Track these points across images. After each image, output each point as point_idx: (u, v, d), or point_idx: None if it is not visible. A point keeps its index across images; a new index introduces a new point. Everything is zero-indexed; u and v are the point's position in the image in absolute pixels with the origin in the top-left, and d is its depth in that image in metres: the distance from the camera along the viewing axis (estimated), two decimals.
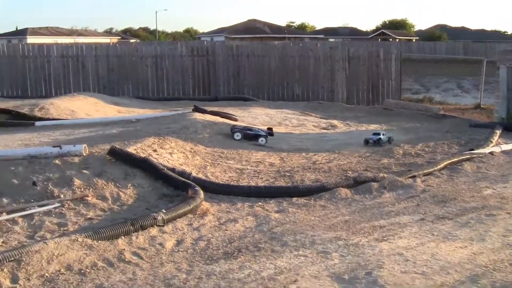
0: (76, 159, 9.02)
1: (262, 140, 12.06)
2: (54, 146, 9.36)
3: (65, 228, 7.24)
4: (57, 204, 7.88)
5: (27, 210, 7.76)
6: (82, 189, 8.29)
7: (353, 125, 16.58)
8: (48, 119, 15.65)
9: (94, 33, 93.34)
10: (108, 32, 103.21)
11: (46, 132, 13.48)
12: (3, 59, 24.22)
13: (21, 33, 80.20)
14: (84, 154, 9.12)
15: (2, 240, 6.89)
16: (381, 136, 12.89)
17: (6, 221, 7.47)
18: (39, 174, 8.61)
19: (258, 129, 12.68)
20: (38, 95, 23.32)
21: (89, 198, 8.10)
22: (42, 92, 23.85)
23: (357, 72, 23.00)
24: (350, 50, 23.53)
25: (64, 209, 7.83)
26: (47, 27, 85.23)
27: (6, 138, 13.01)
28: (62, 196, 8.12)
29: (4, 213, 7.68)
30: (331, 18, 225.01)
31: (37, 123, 14.84)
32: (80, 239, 6.49)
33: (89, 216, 7.63)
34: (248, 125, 13.19)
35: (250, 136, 12.12)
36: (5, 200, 8.07)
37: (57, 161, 8.94)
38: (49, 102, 17.78)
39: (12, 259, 5.98)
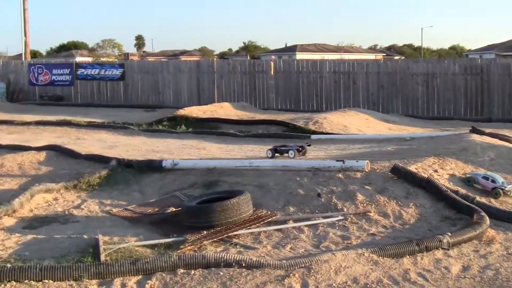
0: (358, 174, 9.19)
1: (291, 154, 11.96)
2: (337, 160, 9.63)
3: (349, 241, 7.39)
4: (340, 217, 8.09)
5: (312, 220, 8.09)
6: (365, 205, 8.41)
7: None
8: (322, 133, 16.15)
9: (359, 50, 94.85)
10: (373, 49, 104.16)
11: (321, 146, 13.93)
12: (279, 75, 25.58)
13: (290, 50, 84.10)
14: (366, 170, 9.25)
15: (290, 247, 7.25)
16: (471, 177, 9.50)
17: (293, 229, 7.86)
18: (322, 187, 8.92)
19: (292, 145, 12.63)
20: (310, 109, 24.22)
21: (371, 214, 8.19)
22: (314, 106, 24.71)
23: None
24: None
25: (347, 222, 8.01)
26: (315, 44, 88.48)
27: None
28: (345, 209, 8.32)
29: (291, 221, 8.09)
30: None
31: (313, 136, 15.39)
32: (366, 254, 6.59)
33: (371, 232, 7.71)
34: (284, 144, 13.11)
35: (282, 151, 12.15)
36: (291, 209, 8.50)
37: (339, 175, 9.19)
38: (322, 116, 18.34)
39: (303, 266, 6.26)
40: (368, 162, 9.47)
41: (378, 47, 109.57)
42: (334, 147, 13.62)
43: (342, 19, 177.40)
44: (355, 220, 8.07)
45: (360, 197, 8.57)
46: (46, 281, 5.95)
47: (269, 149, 12.24)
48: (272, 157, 11.96)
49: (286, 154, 12.00)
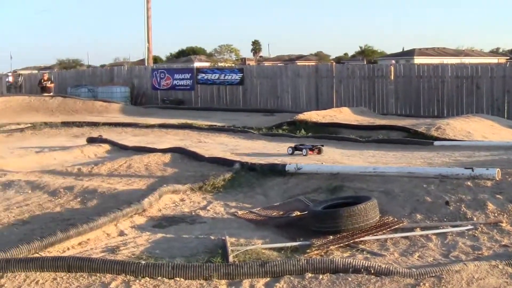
0: (489, 183, 8.86)
1: (303, 151, 13.58)
2: (465, 168, 9.35)
3: (479, 252, 7.13)
4: (470, 226, 7.83)
5: (440, 228, 7.87)
6: (496, 214, 8.10)
7: None
8: (445, 139, 15.73)
9: (480, 53, 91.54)
10: (494, 52, 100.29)
11: (445, 152, 13.58)
12: (399, 79, 25.16)
13: (408, 54, 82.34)
14: (497, 178, 8.92)
15: (418, 255, 7.09)
16: None
17: (420, 237, 7.68)
18: (451, 194, 8.67)
19: (310, 145, 14.15)
20: (430, 114, 23.66)
21: (503, 224, 7.87)
22: (434, 112, 24.10)
23: None
24: None
25: (477, 232, 7.73)
26: (433, 47, 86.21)
27: (407, 155, 13.45)
28: (475, 218, 8.05)
29: (418, 229, 7.91)
30: None
31: (436, 143, 15.01)
32: (500, 266, 6.35)
33: (503, 243, 7.40)
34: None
35: (299, 149, 13.75)
36: (418, 216, 8.32)
37: (468, 183, 8.90)
38: (445, 122, 17.87)
39: (433, 275, 6.10)
40: (499, 170, 9.12)
41: (500, 50, 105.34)
42: (459, 154, 13.22)
43: (460, 22, 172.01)
44: (485, 230, 7.77)
45: (490, 206, 8.26)
46: (178, 279, 6.10)
47: (290, 147, 13.91)
48: (292, 153, 13.60)
49: (300, 152, 13.59)
